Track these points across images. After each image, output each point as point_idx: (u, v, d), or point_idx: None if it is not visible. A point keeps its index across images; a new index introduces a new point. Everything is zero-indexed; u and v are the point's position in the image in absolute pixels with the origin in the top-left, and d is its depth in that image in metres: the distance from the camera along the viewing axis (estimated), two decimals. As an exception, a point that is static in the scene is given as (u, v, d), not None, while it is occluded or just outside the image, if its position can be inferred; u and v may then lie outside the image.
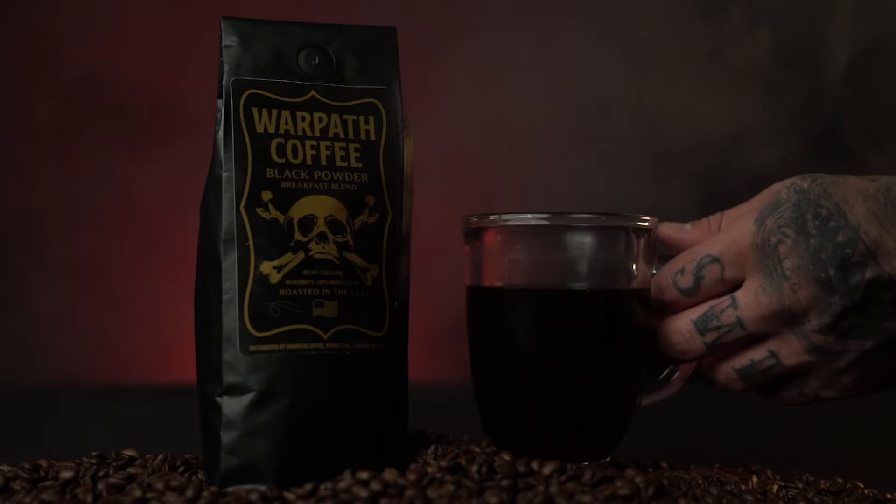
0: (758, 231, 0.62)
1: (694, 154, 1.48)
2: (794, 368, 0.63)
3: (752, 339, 0.64)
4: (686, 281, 0.64)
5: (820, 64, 1.49)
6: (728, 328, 0.63)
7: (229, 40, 0.61)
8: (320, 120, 0.62)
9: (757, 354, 0.64)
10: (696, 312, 0.64)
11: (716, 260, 0.63)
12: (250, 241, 0.60)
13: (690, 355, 0.65)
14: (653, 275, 0.67)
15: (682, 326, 0.64)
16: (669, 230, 0.68)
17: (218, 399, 0.59)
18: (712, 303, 0.64)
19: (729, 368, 0.65)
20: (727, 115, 1.49)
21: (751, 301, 0.62)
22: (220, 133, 0.60)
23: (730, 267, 0.63)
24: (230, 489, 0.57)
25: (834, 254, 0.60)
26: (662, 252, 0.68)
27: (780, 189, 0.63)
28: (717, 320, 0.63)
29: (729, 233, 0.64)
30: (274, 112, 0.61)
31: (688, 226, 0.68)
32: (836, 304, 0.60)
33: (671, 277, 0.65)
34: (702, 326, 0.64)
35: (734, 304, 0.63)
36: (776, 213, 0.62)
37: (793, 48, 1.50)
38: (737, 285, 0.64)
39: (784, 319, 0.62)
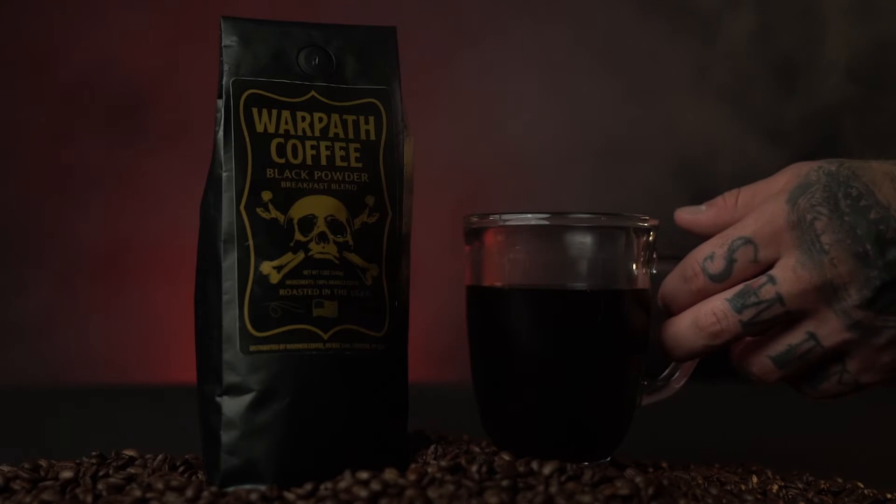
0: (792, 210, 0.62)
1: (690, 165, 1.48)
2: (833, 349, 0.62)
3: (789, 319, 0.62)
4: (717, 266, 0.63)
5: (814, 77, 1.49)
6: (767, 304, 0.62)
7: (229, 40, 0.61)
8: (320, 120, 0.62)
9: (794, 338, 0.63)
10: (729, 292, 0.63)
11: (749, 241, 0.62)
12: (250, 241, 0.60)
13: (724, 337, 0.63)
14: (653, 274, 0.67)
15: (716, 307, 0.63)
16: (686, 214, 0.68)
17: (218, 399, 0.59)
18: (747, 282, 0.63)
19: (764, 358, 0.64)
20: (722, 128, 1.49)
21: (790, 276, 0.61)
22: (220, 133, 0.60)
23: (764, 247, 0.62)
24: (230, 489, 0.57)
25: (869, 230, 0.60)
26: (662, 252, 0.67)
27: (808, 171, 0.63)
28: (756, 296, 0.62)
29: (759, 214, 0.63)
30: (274, 112, 0.61)
31: (703, 207, 0.67)
32: (875, 279, 0.60)
33: (699, 264, 0.64)
34: (739, 304, 0.62)
35: (772, 281, 0.62)
36: (807, 194, 0.62)
37: (786, 63, 1.50)
38: (766, 268, 0.63)
39: (824, 295, 0.61)
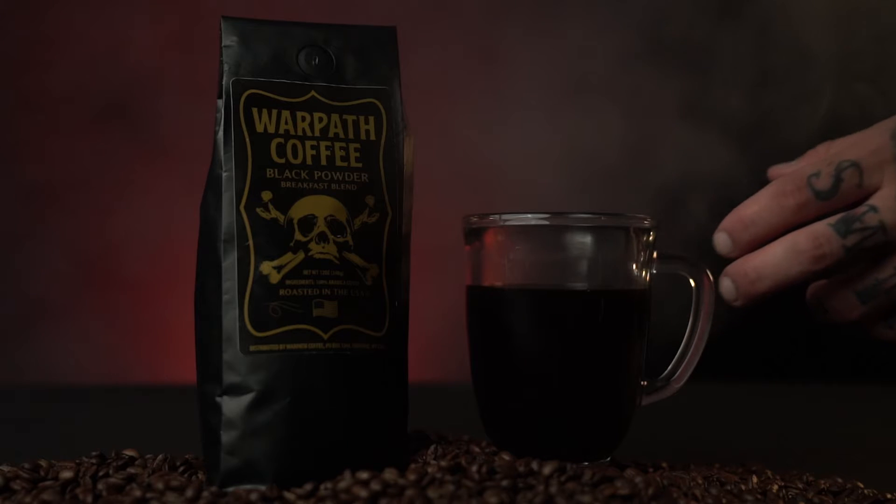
0: (895, 145, 0.63)
1: (692, 179, 1.48)
2: None
3: (883, 252, 0.63)
4: (824, 183, 0.63)
5: (807, 100, 1.49)
6: (871, 231, 0.62)
7: (229, 40, 0.61)
8: (320, 120, 0.62)
9: (882, 273, 0.63)
10: (832, 219, 0.63)
11: (856, 165, 0.63)
12: (250, 241, 0.60)
13: (826, 261, 0.63)
14: (653, 275, 0.67)
15: (818, 230, 0.63)
16: (780, 168, 0.68)
17: (218, 399, 0.59)
18: (848, 211, 0.63)
19: (848, 293, 0.64)
20: (718, 153, 1.49)
21: (892, 205, 0.62)
22: (220, 133, 0.60)
23: (869, 174, 0.63)
24: (230, 489, 0.57)
25: None
26: (663, 251, 0.68)
27: None
28: (861, 223, 0.62)
29: (864, 145, 0.63)
30: (274, 112, 0.61)
31: (794, 162, 0.68)
32: None
33: (804, 179, 0.63)
34: (843, 229, 0.62)
35: (874, 209, 0.62)
36: None
37: (778, 86, 1.50)
38: (864, 198, 0.63)
39: None
